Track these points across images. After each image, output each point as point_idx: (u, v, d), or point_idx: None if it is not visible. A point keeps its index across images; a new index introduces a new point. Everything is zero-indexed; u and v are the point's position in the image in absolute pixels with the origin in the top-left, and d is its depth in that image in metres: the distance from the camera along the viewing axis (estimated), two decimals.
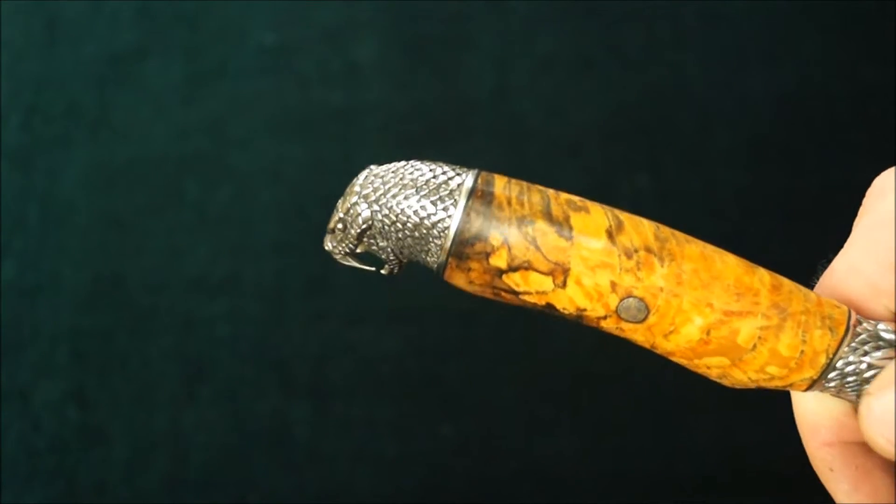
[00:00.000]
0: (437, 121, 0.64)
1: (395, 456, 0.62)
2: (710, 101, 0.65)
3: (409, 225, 0.35)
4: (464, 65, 0.65)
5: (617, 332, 0.35)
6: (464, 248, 0.34)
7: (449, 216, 0.35)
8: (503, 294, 0.35)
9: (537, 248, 0.34)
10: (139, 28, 0.64)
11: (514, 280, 0.34)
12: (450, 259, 0.34)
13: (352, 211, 0.37)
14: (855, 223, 0.37)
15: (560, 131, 0.64)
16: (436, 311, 0.62)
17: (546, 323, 0.53)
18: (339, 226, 0.37)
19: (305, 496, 0.61)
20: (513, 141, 0.64)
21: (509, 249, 0.34)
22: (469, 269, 0.34)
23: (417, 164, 0.36)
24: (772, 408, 0.60)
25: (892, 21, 0.66)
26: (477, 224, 0.34)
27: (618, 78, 0.65)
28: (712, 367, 0.36)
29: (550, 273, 0.34)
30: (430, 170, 0.35)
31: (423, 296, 0.61)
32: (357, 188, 0.37)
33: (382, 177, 0.36)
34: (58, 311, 0.62)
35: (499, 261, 0.34)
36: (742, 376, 0.37)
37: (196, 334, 0.62)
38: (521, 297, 0.34)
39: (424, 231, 0.35)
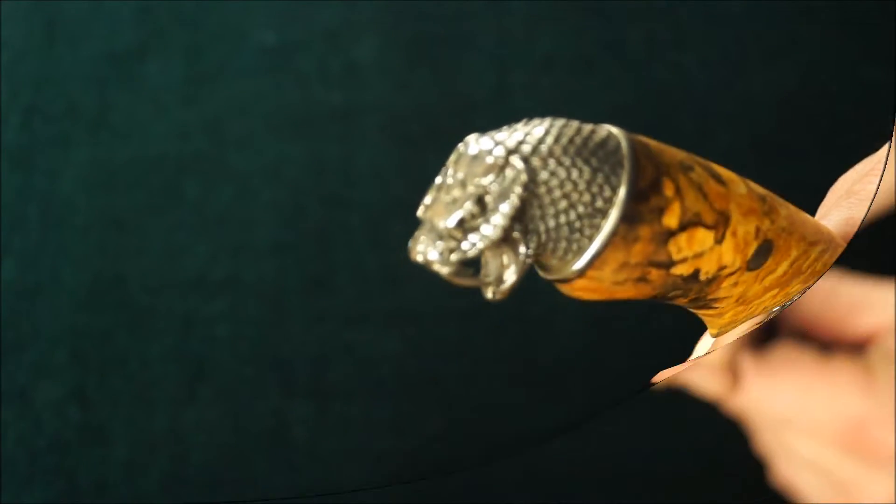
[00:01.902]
0: (437, 120, 0.64)
1: (394, 455, 0.62)
2: (710, 101, 0.65)
3: (580, 185, 0.28)
4: (464, 64, 0.65)
5: (724, 292, 0.32)
6: (638, 204, 0.28)
7: (620, 168, 0.28)
8: (652, 273, 0.29)
9: (704, 196, 0.30)
10: (139, 28, 0.64)
11: (678, 245, 0.29)
12: (619, 226, 0.28)
13: (502, 177, 0.27)
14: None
15: None
16: (436, 312, 0.62)
17: (546, 322, 0.53)
18: (474, 209, 0.27)
19: (304, 494, 0.61)
20: None
21: (682, 201, 0.29)
22: (636, 239, 0.28)
23: (548, 120, 0.29)
24: None
25: (892, 21, 0.66)
26: (650, 171, 0.29)
27: (618, 77, 0.65)
28: (763, 299, 0.34)
29: (715, 226, 0.30)
30: (570, 124, 0.29)
31: (423, 296, 0.61)
32: (501, 144, 0.28)
33: (522, 131, 0.29)
34: (58, 310, 0.62)
35: (671, 218, 0.29)
36: (798, 286, 0.35)
37: (196, 334, 0.62)
38: (673, 269, 0.29)
39: (596, 191, 0.28)
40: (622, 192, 0.28)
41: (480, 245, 0.27)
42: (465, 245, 0.27)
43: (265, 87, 0.64)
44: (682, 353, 0.61)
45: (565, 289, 0.29)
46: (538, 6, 0.66)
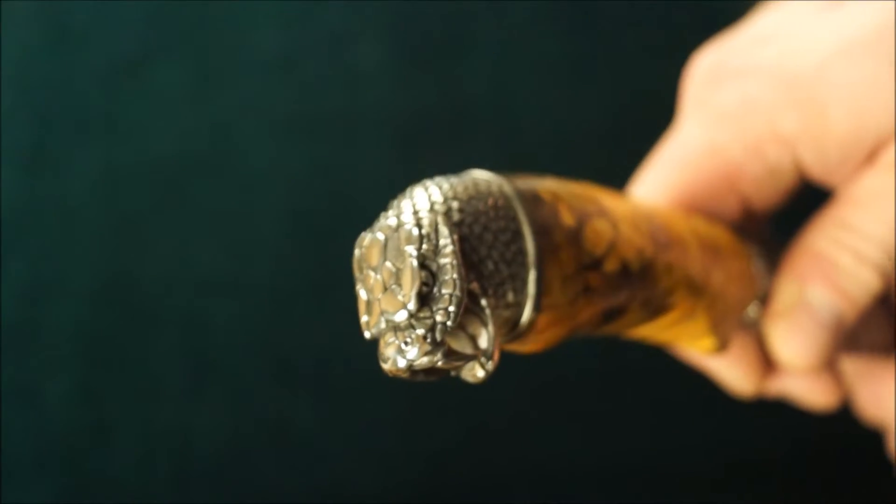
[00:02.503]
0: (437, 122, 0.64)
1: (397, 454, 0.62)
2: None
3: (490, 214, 0.27)
4: (464, 67, 0.65)
5: (666, 281, 0.31)
6: (535, 212, 0.27)
7: (505, 193, 0.28)
8: (591, 278, 0.29)
9: (572, 192, 0.30)
10: (147, 32, 0.65)
11: (589, 241, 0.29)
12: (537, 238, 0.27)
13: (427, 233, 0.25)
14: (690, 107, 0.37)
15: (559, 133, 0.65)
16: None
17: None
18: (424, 276, 0.25)
19: (309, 492, 0.62)
20: (512, 143, 0.64)
21: (562, 200, 0.29)
22: (557, 248, 0.28)
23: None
24: (769, 406, 0.61)
25: None
26: (526, 186, 0.28)
27: (618, 80, 0.65)
28: (717, 282, 0.34)
29: (601, 213, 0.30)
30: (443, 179, 0.28)
31: None
32: (405, 213, 0.26)
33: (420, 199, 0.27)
34: (66, 309, 0.62)
35: (566, 216, 0.28)
36: (730, 289, 0.35)
37: (202, 332, 0.62)
38: (604, 267, 0.29)
39: (501, 215, 0.27)
40: (519, 207, 0.27)
41: (453, 308, 0.25)
42: (439, 317, 0.25)
43: (271, 89, 0.65)
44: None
45: (531, 339, 0.29)
46: (538, 7, 0.66)
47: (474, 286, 0.26)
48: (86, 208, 0.63)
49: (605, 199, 0.31)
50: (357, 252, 0.27)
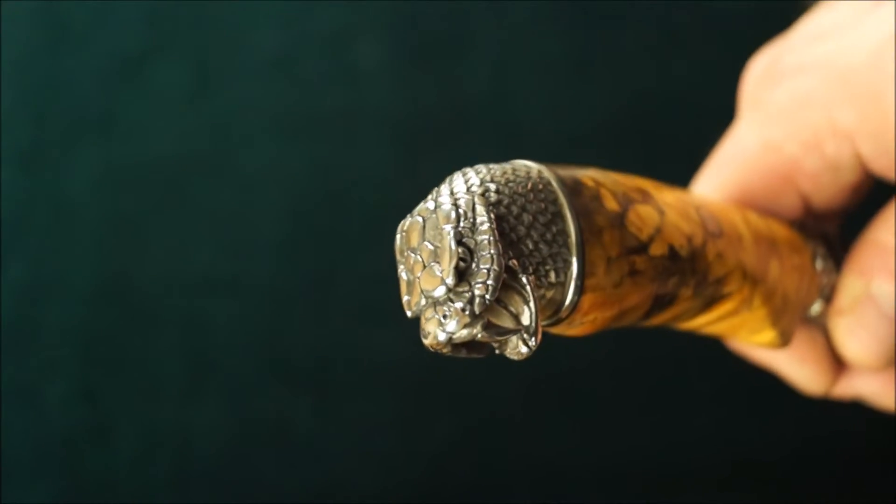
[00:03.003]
0: (437, 122, 0.64)
1: (396, 453, 0.62)
2: (708, 103, 0.65)
3: (529, 197, 0.27)
4: (464, 66, 0.65)
5: (718, 269, 0.31)
6: (577, 198, 0.28)
7: (546, 178, 0.28)
8: (637, 262, 0.29)
9: (615, 181, 0.30)
10: (146, 31, 0.65)
11: (634, 224, 0.29)
12: (578, 220, 0.27)
13: (464, 212, 0.26)
14: (747, 107, 0.37)
15: (559, 132, 0.65)
16: None
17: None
18: (461, 252, 0.25)
19: (308, 492, 0.62)
20: (512, 142, 0.64)
21: (605, 187, 0.29)
22: (600, 231, 0.28)
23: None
24: (770, 404, 0.61)
25: None
26: (567, 174, 0.29)
27: (617, 79, 0.65)
28: (774, 273, 0.34)
29: (645, 199, 0.30)
30: (485, 166, 0.28)
31: None
32: (443, 195, 0.27)
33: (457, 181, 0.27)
34: (65, 309, 0.62)
35: (609, 201, 0.29)
36: (788, 281, 0.35)
37: (201, 332, 0.62)
38: (651, 251, 0.29)
39: (542, 199, 0.27)
40: (559, 190, 0.28)
41: (492, 281, 0.25)
42: (477, 291, 0.25)
43: (270, 89, 0.65)
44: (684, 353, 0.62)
45: (578, 319, 0.29)
46: (537, 9, 0.66)
47: (513, 263, 0.26)
48: (85, 208, 0.63)
49: (651, 187, 0.32)
50: (398, 237, 0.27)
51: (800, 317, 0.37)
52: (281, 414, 0.62)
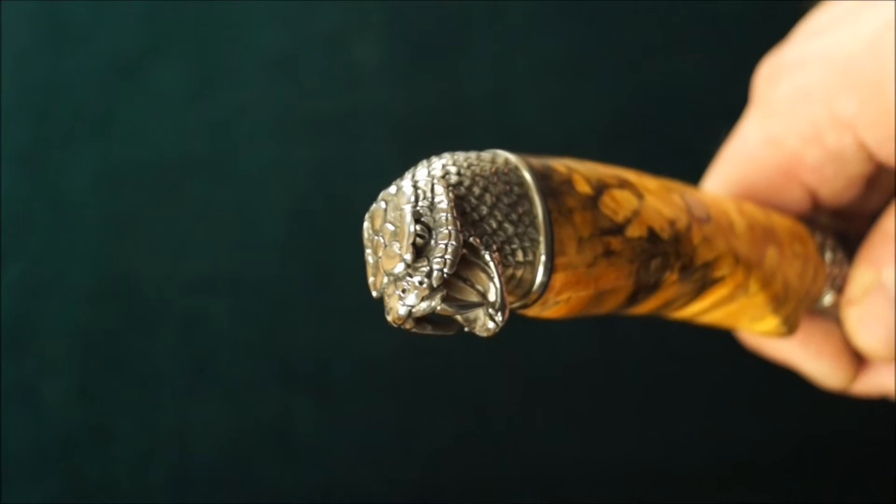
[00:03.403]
0: (438, 122, 0.64)
1: (396, 453, 0.62)
2: (708, 103, 0.65)
3: (493, 179, 0.28)
4: (464, 66, 0.65)
5: (706, 252, 0.32)
6: (546, 181, 0.29)
7: (515, 164, 0.29)
8: (612, 243, 0.29)
9: (591, 169, 0.30)
10: (145, 31, 0.65)
11: (608, 206, 0.30)
12: (547, 201, 0.28)
13: (423, 192, 0.27)
14: (753, 106, 0.37)
15: (559, 132, 0.65)
16: None
17: (545, 322, 0.53)
18: (419, 229, 0.26)
19: (308, 492, 0.62)
20: (512, 142, 0.64)
21: (578, 173, 0.30)
22: (571, 211, 0.29)
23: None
24: (767, 405, 0.61)
25: None
26: (537, 161, 0.30)
27: (618, 79, 0.65)
28: (772, 260, 0.34)
29: (622, 185, 0.30)
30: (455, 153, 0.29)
31: None
32: (405, 180, 0.28)
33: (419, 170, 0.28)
34: (65, 309, 0.62)
35: (582, 185, 0.29)
36: (789, 269, 0.34)
37: (201, 332, 0.62)
38: (627, 232, 0.30)
39: (507, 181, 0.28)
40: (527, 175, 0.29)
41: (449, 255, 0.26)
42: (436, 265, 0.26)
43: (269, 89, 0.65)
44: (688, 353, 0.62)
45: (551, 298, 0.29)
46: (537, 9, 0.66)
47: (474, 240, 0.26)
48: (85, 208, 0.63)
49: (632, 176, 0.32)
50: (364, 223, 0.28)
51: (808, 307, 0.37)
52: (281, 414, 0.62)
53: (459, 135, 0.64)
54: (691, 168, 0.66)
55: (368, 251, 0.27)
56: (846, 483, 0.62)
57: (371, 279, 0.27)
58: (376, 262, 0.27)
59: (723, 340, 0.60)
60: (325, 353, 0.62)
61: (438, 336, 0.27)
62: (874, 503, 0.62)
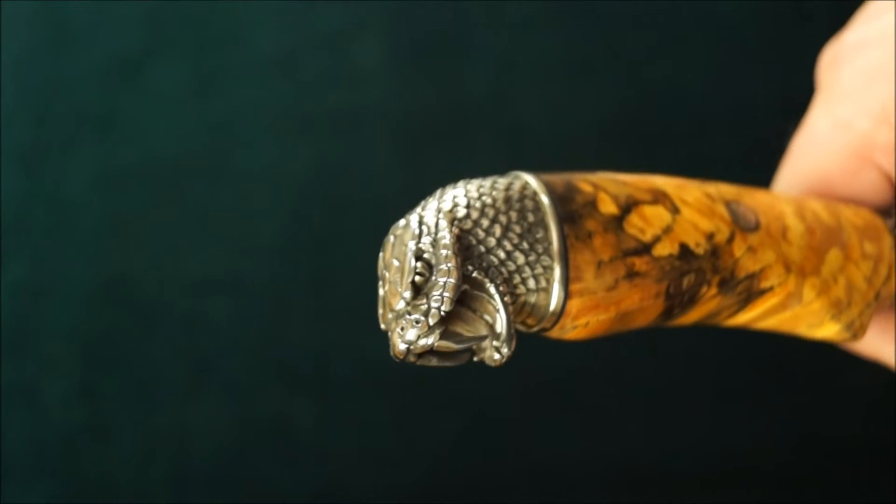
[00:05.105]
0: (437, 122, 0.64)
1: (396, 453, 0.62)
2: (707, 104, 0.65)
3: (503, 209, 0.28)
4: (464, 67, 0.65)
5: (750, 264, 0.31)
6: (566, 205, 0.28)
7: (533, 190, 0.29)
8: (636, 263, 0.29)
9: (623, 183, 0.30)
10: (146, 31, 0.65)
11: (636, 226, 0.29)
12: (563, 227, 0.28)
13: (427, 229, 0.27)
14: (818, 94, 0.36)
15: (559, 133, 0.65)
16: None
17: None
18: (420, 267, 0.27)
19: (308, 492, 0.62)
20: (512, 143, 0.64)
21: (605, 191, 0.29)
22: (590, 235, 0.28)
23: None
24: (766, 405, 0.61)
25: None
26: (559, 181, 0.29)
27: (617, 79, 0.65)
28: (832, 265, 0.33)
29: (656, 200, 0.30)
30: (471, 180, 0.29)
31: None
32: (413, 214, 0.28)
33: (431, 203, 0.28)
34: (65, 309, 0.62)
35: (607, 205, 0.29)
36: (855, 271, 0.33)
37: (201, 332, 0.62)
38: (654, 251, 0.29)
39: (521, 209, 0.28)
40: (545, 200, 0.28)
41: (448, 293, 0.26)
42: (434, 303, 0.26)
43: (269, 89, 0.65)
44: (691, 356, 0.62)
45: (568, 324, 0.29)
46: (537, 9, 0.66)
47: (479, 275, 0.27)
48: (84, 208, 0.63)
49: (671, 186, 0.31)
50: (380, 255, 0.28)
51: (886, 306, 0.36)
52: (281, 414, 0.62)
53: (459, 135, 0.64)
54: (691, 168, 0.66)
55: (380, 283, 0.28)
56: (846, 484, 0.62)
57: (380, 311, 0.28)
58: (384, 296, 0.28)
59: (723, 341, 0.60)
60: (325, 353, 0.62)
61: (445, 367, 0.27)
62: (874, 503, 0.62)
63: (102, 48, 0.64)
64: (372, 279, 0.65)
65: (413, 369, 0.62)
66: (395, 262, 0.27)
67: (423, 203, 0.29)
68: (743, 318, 0.33)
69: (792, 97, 0.67)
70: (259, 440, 0.62)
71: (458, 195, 0.28)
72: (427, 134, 0.64)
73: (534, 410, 0.63)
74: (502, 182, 0.29)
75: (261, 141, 0.64)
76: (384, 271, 0.28)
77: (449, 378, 0.62)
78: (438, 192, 0.29)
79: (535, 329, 0.29)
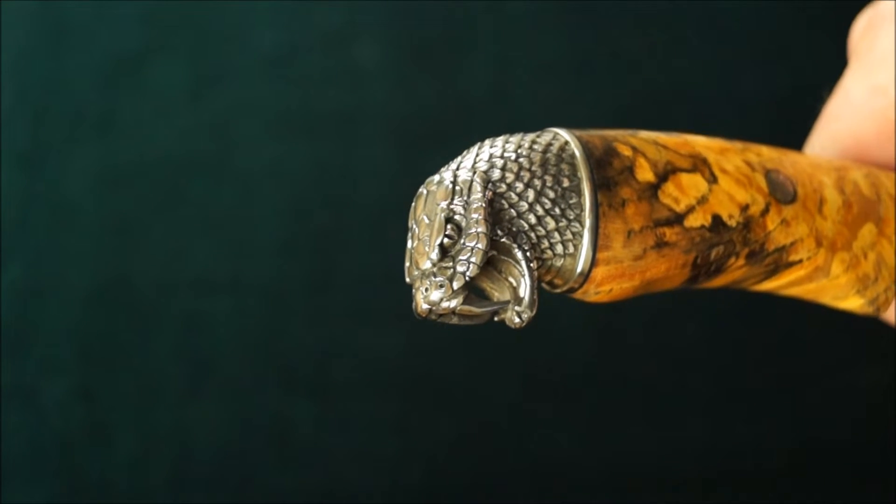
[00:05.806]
0: (437, 122, 0.64)
1: (395, 454, 0.62)
2: (707, 103, 0.65)
3: (539, 172, 0.28)
4: (464, 66, 0.65)
5: (781, 238, 0.30)
6: (603, 170, 0.28)
7: (567, 142, 0.28)
8: (667, 234, 0.28)
9: (664, 146, 0.29)
10: (145, 31, 0.65)
11: (670, 195, 0.29)
12: (597, 195, 0.28)
13: (460, 190, 0.27)
14: (852, 61, 0.36)
15: None
16: None
17: (544, 323, 0.53)
18: (449, 230, 0.27)
19: (307, 492, 0.62)
20: None
21: (644, 155, 0.29)
22: (624, 203, 0.28)
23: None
24: (766, 406, 0.61)
25: None
26: (598, 142, 0.29)
27: (616, 80, 0.65)
28: (865, 240, 0.32)
29: (694, 168, 0.29)
30: (509, 136, 0.29)
31: None
32: (447, 170, 0.28)
33: (464, 159, 0.28)
34: (64, 310, 0.62)
35: (643, 172, 0.29)
36: (887, 247, 0.33)
37: (200, 333, 0.62)
38: (686, 222, 0.29)
39: (556, 173, 0.28)
40: (581, 162, 0.28)
41: (475, 259, 0.26)
42: (460, 267, 0.27)
43: (269, 89, 0.65)
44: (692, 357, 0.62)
45: (591, 289, 0.29)
46: (537, 9, 0.66)
47: (507, 241, 0.27)
48: (84, 208, 0.63)
49: (714, 151, 0.31)
50: (413, 204, 0.28)
51: None
52: (280, 414, 0.62)
53: (459, 135, 0.63)
54: None
55: (409, 234, 0.28)
56: (846, 484, 0.62)
57: (406, 265, 0.28)
58: (411, 250, 0.28)
59: (724, 341, 0.60)
60: (325, 354, 0.62)
61: (466, 326, 0.28)
62: (874, 503, 0.62)
63: (101, 48, 0.64)
64: (372, 279, 0.65)
65: (412, 369, 0.62)
66: (426, 219, 0.27)
67: (459, 158, 0.29)
68: (767, 286, 0.33)
69: (792, 97, 0.67)
70: (259, 440, 0.62)
71: (496, 153, 0.28)
72: (427, 134, 0.64)
73: (534, 411, 0.63)
74: (541, 141, 0.29)
75: (260, 141, 0.64)
76: (414, 226, 0.28)
77: (449, 378, 0.62)
78: (475, 148, 0.29)
79: (561, 290, 0.29)
